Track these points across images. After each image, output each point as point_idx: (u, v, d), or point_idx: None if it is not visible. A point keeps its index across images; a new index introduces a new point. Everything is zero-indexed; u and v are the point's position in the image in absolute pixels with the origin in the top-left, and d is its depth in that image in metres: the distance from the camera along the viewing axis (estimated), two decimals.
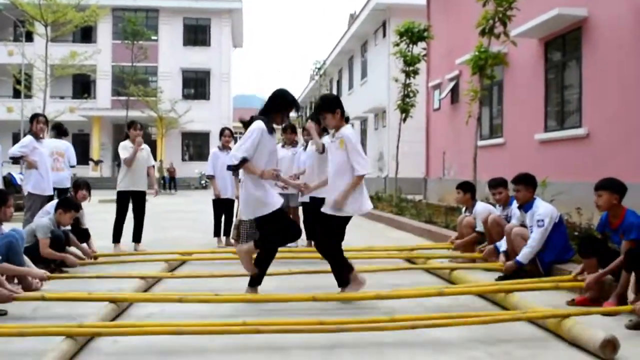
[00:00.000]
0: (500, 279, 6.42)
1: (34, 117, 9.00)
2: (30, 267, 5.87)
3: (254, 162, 5.43)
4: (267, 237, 5.60)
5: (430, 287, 5.65)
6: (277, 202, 5.52)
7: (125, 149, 8.97)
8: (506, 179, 7.74)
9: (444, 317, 4.44)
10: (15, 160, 8.86)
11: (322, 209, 5.67)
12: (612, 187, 5.45)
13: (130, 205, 9.08)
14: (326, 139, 8.26)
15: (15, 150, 8.68)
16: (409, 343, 4.23)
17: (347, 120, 5.97)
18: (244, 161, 5.36)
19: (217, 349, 4.10)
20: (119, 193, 9.04)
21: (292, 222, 5.95)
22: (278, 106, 5.69)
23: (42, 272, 5.89)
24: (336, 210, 5.53)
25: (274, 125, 5.68)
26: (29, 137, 8.78)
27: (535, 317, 4.57)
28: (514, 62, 13.42)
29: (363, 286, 5.57)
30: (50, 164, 9.03)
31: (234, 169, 5.49)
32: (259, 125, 5.50)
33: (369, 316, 4.56)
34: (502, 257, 7.09)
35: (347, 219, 5.66)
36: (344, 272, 5.61)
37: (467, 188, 8.48)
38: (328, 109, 5.70)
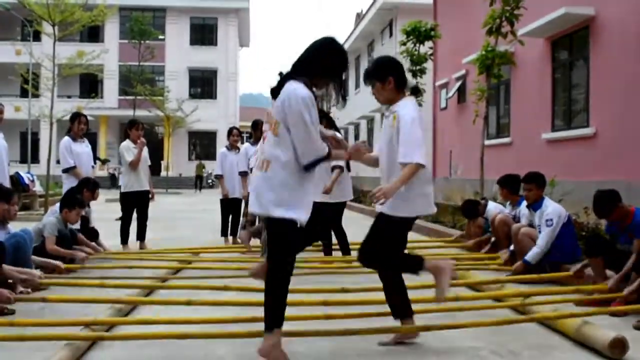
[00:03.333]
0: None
1: (76, 117, 8.83)
2: (26, 270, 5.54)
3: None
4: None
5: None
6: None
7: (128, 150, 8.96)
8: (506, 177, 7.76)
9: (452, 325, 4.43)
10: (68, 170, 8.65)
11: (379, 209, 4.09)
12: (611, 203, 5.43)
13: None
14: None
15: (68, 162, 8.50)
16: (416, 341, 4.25)
17: (415, 91, 4.37)
18: (328, 156, 3.83)
19: (225, 348, 4.12)
20: (124, 194, 9.06)
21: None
22: (328, 64, 3.89)
23: (39, 273, 5.61)
24: (389, 208, 4.01)
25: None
26: (66, 140, 8.63)
27: (544, 318, 4.56)
28: (521, 61, 13.37)
29: (452, 270, 4.13)
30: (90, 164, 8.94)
31: (313, 165, 3.75)
32: (303, 94, 3.70)
33: (378, 319, 4.56)
34: (504, 255, 7.13)
35: (405, 222, 4.12)
36: (405, 299, 4.16)
37: (473, 211, 8.43)
38: (376, 76, 4.18)
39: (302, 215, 3.72)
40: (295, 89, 3.71)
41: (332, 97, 4.35)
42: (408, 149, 3.90)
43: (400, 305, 4.21)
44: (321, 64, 3.85)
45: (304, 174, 3.76)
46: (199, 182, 36.21)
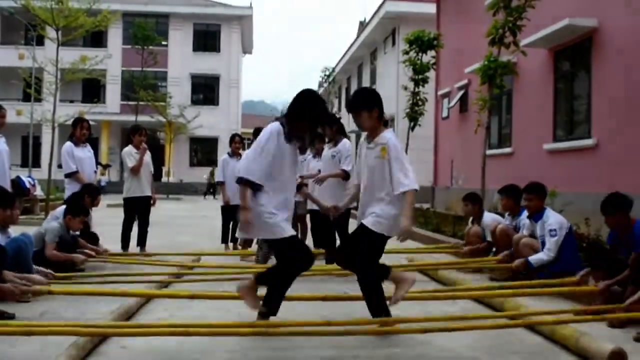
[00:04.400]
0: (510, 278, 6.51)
1: (78, 122, 8.80)
2: (30, 274, 5.59)
3: (265, 174, 4.49)
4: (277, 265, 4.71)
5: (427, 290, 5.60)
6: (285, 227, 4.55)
7: (130, 156, 8.98)
8: (510, 187, 7.76)
9: (448, 318, 4.42)
10: (69, 175, 8.55)
11: (363, 221, 4.57)
12: (622, 206, 5.45)
13: None
14: (326, 151, 8.34)
15: (69, 167, 8.46)
16: (413, 349, 4.24)
17: (386, 124, 4.83)
18: (244, 181, 4.45)
19: (226, 352, 4.11)
20: (126, 200, 9.07)
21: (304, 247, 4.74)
22: (302, 112, 4.63)
23: (42, 278, 5.63)
24: (373, 223, 4.49)
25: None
26: (68, 145, 8.59)
27: (538, 322, 4.56)
28: (524, 71, 13.41)
29: (413, 283, 4.56)
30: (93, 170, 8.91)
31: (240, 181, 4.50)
32: (271, 127, 4.60)
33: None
34: (504, 256, 7.11)
35: (384, 238, 4.59)
36: (379, 297, 4.58)
37: (476, 199, 8.47)
38: (364, 106, 4.63)
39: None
40: (270, 125, 4.64)
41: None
42: (407, 178, 4.39)
43: (376, 307, 4.57)
44: (296, 111, 4.61)
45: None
46: (212, 189, 35.92)
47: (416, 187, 4.38)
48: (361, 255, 4.53)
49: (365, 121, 4.63)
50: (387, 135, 4.59)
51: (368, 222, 4.51)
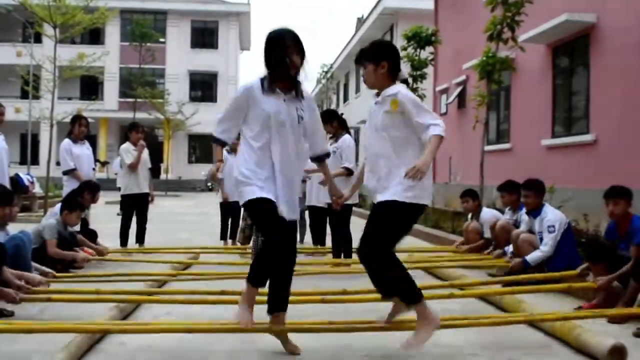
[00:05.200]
0: (506, 274, 6.51)
1: (76, 119, 8.84)
2: (27, 273, 5.49)
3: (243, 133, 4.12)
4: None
5: (442, 292, 5.59)
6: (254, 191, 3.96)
7: (127, 152, 8.99)
8: (511, 183, 7.77)
9: (449, 318, 4.40)
10: (68, 172, 8.57)
11: (381, 198, 3.89)
12: (627, 195, 5.49)
13: None
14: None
15: (68, 165, 8.50)
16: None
17: (405, 81, 4.18)
18: (216, 140, 4.20)
19: (225, 351, 4.11)
20: (124, 197, 9.09)
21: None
22: (273, 55, 4.02)
23: (39, 277, 5.54)
24: (407, 196, 3.82)
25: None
26: (66, 143, 8.64)
27: (542, 319, 4.55)
28: (522, 67, 13.38)
29: (436, 326, 3.95)
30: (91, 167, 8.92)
31: (214, 140, 4.24)
32: (242, 85, 4.18)
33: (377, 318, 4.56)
34: (507, 257, 7.13)
35: (421, 209, 3.94)
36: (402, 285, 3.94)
37: (474, 195, 8.49)
38: (370, 57, 4.02)
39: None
40: None
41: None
42: (436, 121, 3.83)
43: (392, 288, 4.02)
44: (267, 62, 4.05)
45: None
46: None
47: (444, 134, 3.82)
48: (388, 239, 3.86)
49: (369, 76, 4.01)
50: (396, 87, 3.94)
51: (394, 194, 3.82)
